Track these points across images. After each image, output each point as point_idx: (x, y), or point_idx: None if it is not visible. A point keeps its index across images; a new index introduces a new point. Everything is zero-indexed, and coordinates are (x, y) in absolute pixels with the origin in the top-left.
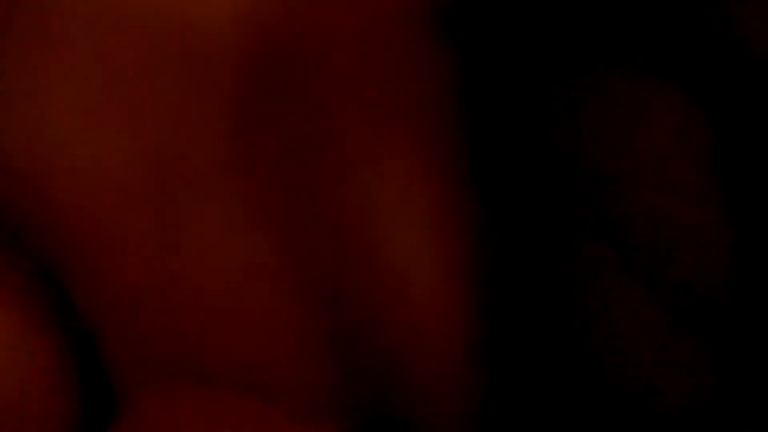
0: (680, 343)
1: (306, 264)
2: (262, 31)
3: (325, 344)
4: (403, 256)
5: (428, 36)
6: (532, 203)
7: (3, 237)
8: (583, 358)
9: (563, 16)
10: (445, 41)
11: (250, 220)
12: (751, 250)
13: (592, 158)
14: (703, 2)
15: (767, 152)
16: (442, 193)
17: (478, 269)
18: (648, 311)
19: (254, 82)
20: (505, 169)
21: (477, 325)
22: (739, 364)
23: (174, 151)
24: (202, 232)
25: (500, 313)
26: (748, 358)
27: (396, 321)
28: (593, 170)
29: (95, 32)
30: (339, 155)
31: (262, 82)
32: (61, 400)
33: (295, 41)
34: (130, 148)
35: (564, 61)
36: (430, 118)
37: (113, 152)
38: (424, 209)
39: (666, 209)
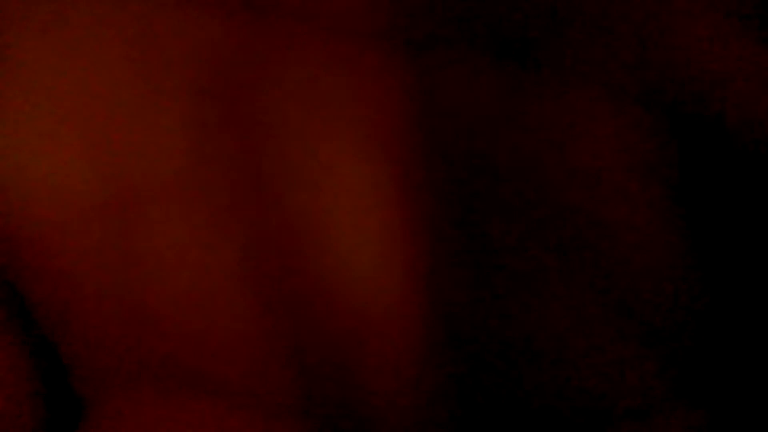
0: (626, 347)
1: (263, 269)
2: (216, 46)
3: (284, 347)
4: (357, 257)
5: (377, 47)
6: (475, 207)
7: None
8: (527, 361)
9: (505, 21)
10: (401, 55)
11: (210, 227)
12: (703, 258)
13: (533, 164)
14: (649, 24)
15: (716, 164)
16: (396, 196)
17: (432, 272)
18: (593, 315)
19: (213, 94)
20: (452, 173)
21: (432, 327)
22: (691, 366)
23: (134, 163)
24: (162, 242)
25: (452, 316)
26: (700, 360)
27: (350, 321)
28: (533, 175)
29: (50, 48)
30: (293, 165)
31: (220, 94)
32: (24, 407)
33: (249, 55)
34: (89, 162)
35: (504, 66)
36: (383, 125)
37: (72, 165)
38: (377, 211)
39: (609, 217)
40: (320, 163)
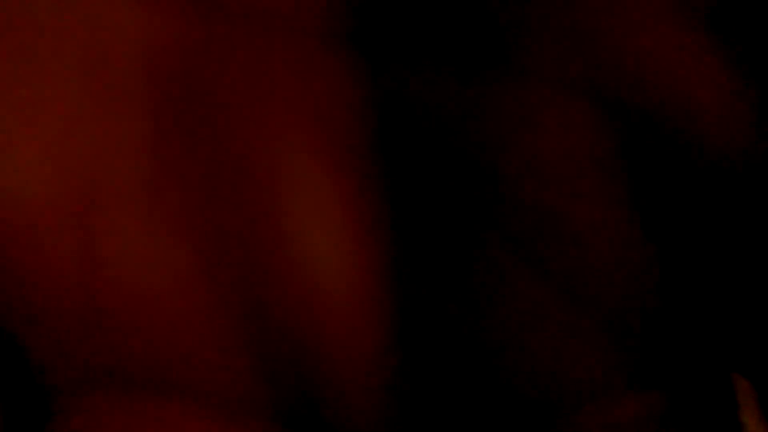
0: (584, 337)
1: (223, 268)
2: (167, 49)
3: (245, 345)
4: (314, 255)
5: (333, 48)
6: (434, 204)
7: None
8: (484, 353)
9: (458, 21)
10: (349, 52)
11: (169, 229)
12: (658, 248)
13: (489, 160)
14: (599, 25)
15: (670, 156)
16: (352, 194)
17: (389, 268)
18: (551, 307)
19: (166, 97)
20: (410, 172)
21: (390, 322)
22: (647, 353)
23: (95, 165)
24: (123, 242)
25: (410, 311)
26: (655, 347)
27: (309, 320)
28: (490, 172)
29: (11, 56)
30: (249, 161)
31: (174, 97)
32: None
33: (201, 57)
34: (47, 167)
35: (459, 67)
36: (339, 124)
37: (30, 171)
38: (334, 209)
39: (563, 209)
40: (277, 164)
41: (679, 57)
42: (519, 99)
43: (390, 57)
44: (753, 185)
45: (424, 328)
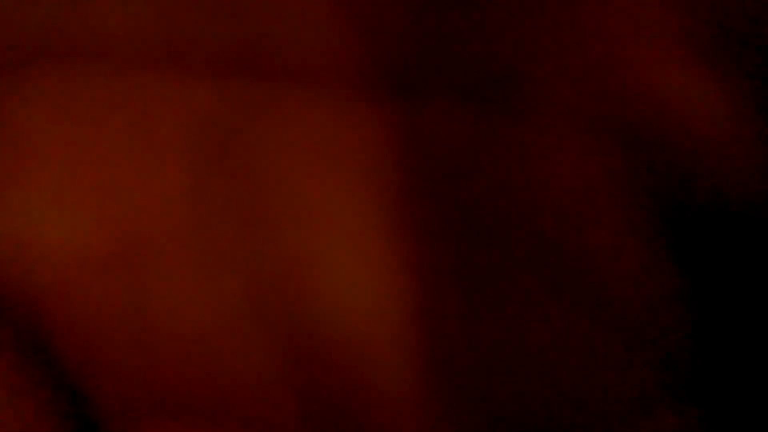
0: (615, 357)
1: (264, 307)
2: (206, 109)
3: (287, 379)
4: (353, 296)
5: (368, 101)
6: (461, 245)
7: None
8: (519, 380)
9: (475, 64)
10: (385, 104)
11: (210, 273)
12: (686, 268)
13: (510, 200)
14: (609, 59)
15: (682, 187)
16: (388, 238)
17: (426, 305)
18: (580, 330)
19: (206, 153)
20: (433, 211)
21: (428, 357)
22: (682, 370)
23: (137, 217)
24: (167, 286)
25: (446, 345)
26: (690, 364)
27: (349, 357)
28: (512, 210)
29: (59, 120)
30: (287, 209)
31: (213, 152)
32: None
33: (241, 117)
34: (96, 219)
35: (475, 112)
36: (374, 173)
37: (80, 223)
38: (370, 252)
39: (587, 240)
40: (313, 207)
41: (688, 92)
42: (536, 136)
43: (415, 102)
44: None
45: (459, 361)
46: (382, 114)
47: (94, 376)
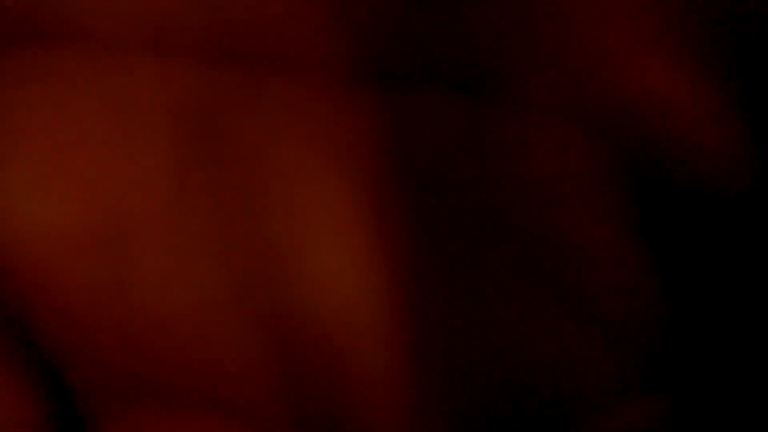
0: (590, 345)
1: (248, 288)
2: (188, 93)
3: (273, 363)
4: (338, 278)
5: (352, 87)
6: (443, 231)
7: None
8: (496, 367)
9: (461, 54)
10: (369, 91)
11: (194, 253)
12: (660, 257)
13: (491, 188)
14: (591, 51)
15: (665, 181)
16: (371, 223)
17: (407, 289)
18: (556, 318)
19: (188, 136)
20: (417, 198)
21: (410, 339)
22: (654, 359)
23: (119, 200)
24: (152, 268)
25: (427, 327)
26: (662, 353)
27: (334, 341)
28: (492, 198)
29: (37, 101)
30: (270, 194)
31: (195, 135)
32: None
33: (221, 99)
34: (78, 201)
35: (459, 101)
36: (358, 159)
37: (62, 204)
38: (354, 238)
39: (565, 228)
40: (297, 192)
41: (672, 86)
42: (517, 126)
43: (398, 89)
44: (748, 215)
45: (439, 344)
46: (366, 102)
47: (75, 358)
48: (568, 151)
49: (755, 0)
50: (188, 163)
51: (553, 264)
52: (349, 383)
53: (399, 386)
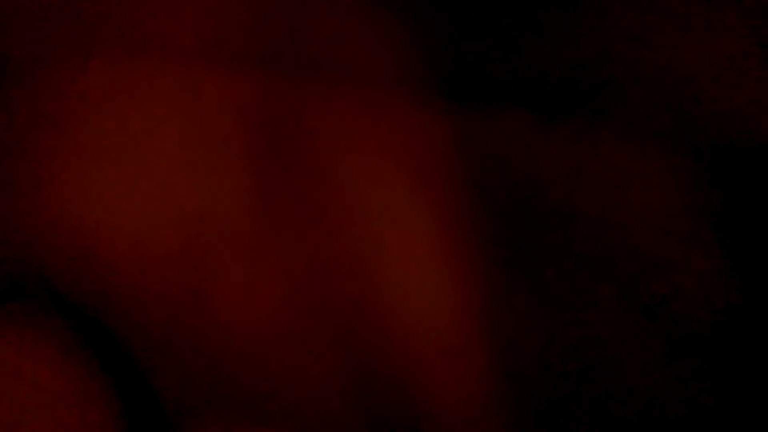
0: (670, 364)
1: (328, 298)
2: (257, 103)
3: (349, 373)
4: (410, 296)
5: (425, 98)
6: (524, 245)
7: (47, 302)
8: (580, 381)
9: (553, 76)
10: (442, 103)
11: (272, 270)
12: (745, 280)
13: (580, 211)
14: (685, 72)
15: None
16: (444, 230)
17: (486, 303)
18: (643, 338)
19: (260, 145)
20: (490, 209)
21: (486, 353)
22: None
23: (200, 204)
24: (231, 279)
25: (507, 343)
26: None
27: (409, 352)
28: (593, 221)
29: (123, 120)
30: (347, 203)
31: (267, 144)
32: None
33: (296, 113)
34: (163, 214)
35: (549, 123)
36: (432, 171)
37: (148, 217)
38: (426, 244)
39: (663, 255)
40: (375, 202)
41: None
42: (616, 150)
43: (475, 107)
44: None
45: (520, 352)
46: (440, 117)
47: (155, 367)
48: (664, 172)
49: None
50: (263, 167)
51: (642, 283)
52: (427, 397)
53: (477, 400)
